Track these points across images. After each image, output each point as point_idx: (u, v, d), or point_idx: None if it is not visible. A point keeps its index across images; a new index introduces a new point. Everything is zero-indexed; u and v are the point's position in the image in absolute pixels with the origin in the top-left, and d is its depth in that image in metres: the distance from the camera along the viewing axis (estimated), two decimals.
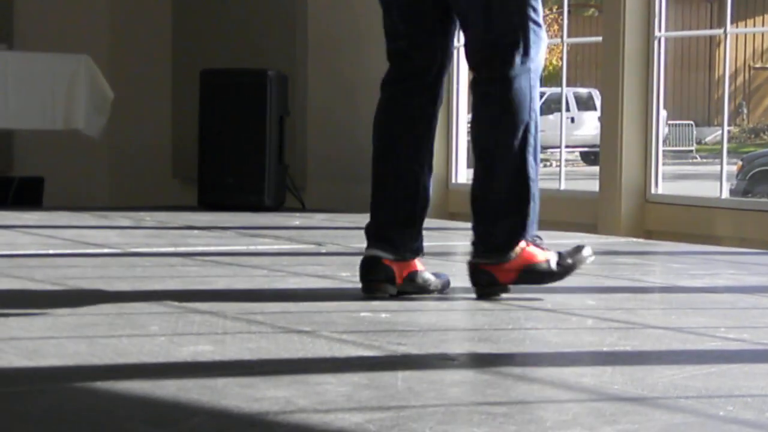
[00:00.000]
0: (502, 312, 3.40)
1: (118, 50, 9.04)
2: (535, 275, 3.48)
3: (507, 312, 3.39)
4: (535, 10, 3.46)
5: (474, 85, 3.52)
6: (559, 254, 3.53)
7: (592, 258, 3.59)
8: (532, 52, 3.46)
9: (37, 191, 8.07)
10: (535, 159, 3.47)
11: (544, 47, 3.51)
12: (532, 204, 3.48)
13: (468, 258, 3.52)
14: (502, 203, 3.48)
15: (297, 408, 2.14)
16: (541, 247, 3.51)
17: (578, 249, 3.57)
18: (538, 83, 3.50)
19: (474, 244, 3.51)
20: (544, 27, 3.52)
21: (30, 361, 2.53)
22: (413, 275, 3.51)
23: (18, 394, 2.27)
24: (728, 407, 2.20)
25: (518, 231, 3.47)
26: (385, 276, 3.47)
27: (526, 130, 3.44)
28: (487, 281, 3.47)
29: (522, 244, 3.47)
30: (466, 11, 3.49)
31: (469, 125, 3.73)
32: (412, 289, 3.50)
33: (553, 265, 3.50)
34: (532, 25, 3.46)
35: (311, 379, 2.39)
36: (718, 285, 4.13)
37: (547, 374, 2.50)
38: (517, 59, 3.44)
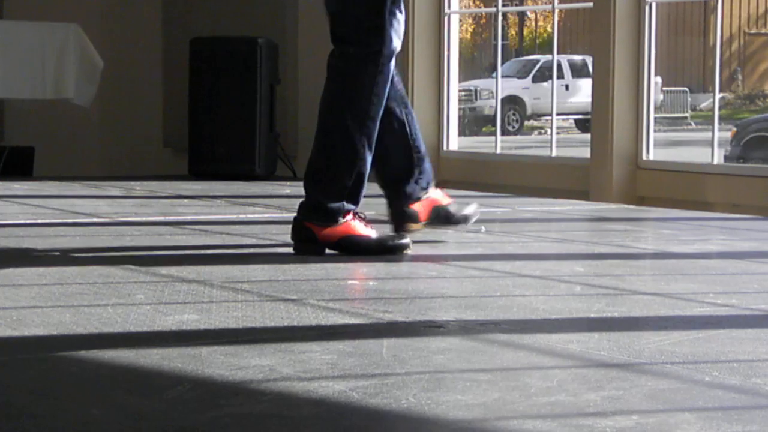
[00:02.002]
0: (490, 279, 3.39)
1: (108, 19, 9.00)
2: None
3: (496, 279, 3.38)
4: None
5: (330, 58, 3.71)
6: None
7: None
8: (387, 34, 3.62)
9: (28, 161, 8.05)
10: (363, 138, 3.66)
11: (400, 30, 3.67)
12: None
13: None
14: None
15: (281, 376, 2.13)
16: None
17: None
18: (386, 68, 3.65)
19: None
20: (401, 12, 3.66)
21: (14, 330, 2.52)
22: (436, 209, 3.90)
23: (1, 363, 2.25)
24: (714, 372, 2.19)
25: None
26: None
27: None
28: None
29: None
30: None
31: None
32: (436, 222, 3.90)
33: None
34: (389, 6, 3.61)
35: (296, 347, 2.38)
36: (709, 251, 4.12)
37: (534, 341, 2.49)
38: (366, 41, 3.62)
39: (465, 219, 3.95)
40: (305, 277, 3.29)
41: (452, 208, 3.93)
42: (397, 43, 3.67)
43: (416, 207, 3.88)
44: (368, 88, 3.63)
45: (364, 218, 3.73)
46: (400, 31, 3.68)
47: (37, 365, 2.26)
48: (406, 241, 3.73)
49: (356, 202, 3.70)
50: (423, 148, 3.89)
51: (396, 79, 3.79)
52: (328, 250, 3.68)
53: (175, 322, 2.63)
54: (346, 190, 3.66)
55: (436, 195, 3.92)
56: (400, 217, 3.88)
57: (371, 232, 3.70)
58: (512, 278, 3.36)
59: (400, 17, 3.66)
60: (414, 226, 3.88)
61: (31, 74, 7.18)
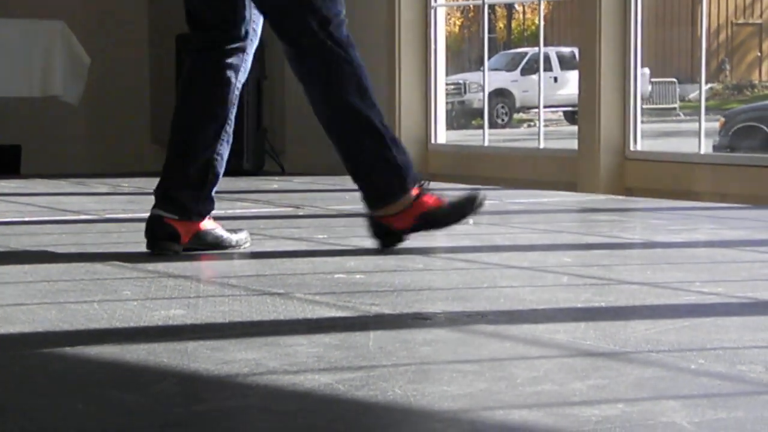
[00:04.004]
0: (477, 271, 3.39)
1: (95, 16, 8.98)
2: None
3: (483, 270, 3.38)
4: None
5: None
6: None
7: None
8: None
9: (15, 159, 8.03)
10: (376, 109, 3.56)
11: None
12: None
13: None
14: None
15: (267, 369, 2.13)
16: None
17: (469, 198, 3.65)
18: (348, 37, 3.53)
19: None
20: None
21: None
22: (202, 234, 3.58)
23: None
24: (700, 360, 2.20)
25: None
26: (167, 234, 3.54)
27: None
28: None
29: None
30: None
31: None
32: (202, 246, 3.57)
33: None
34: None
35: (282, 341, 2.37)
36: (696, 240, 4.12)
37: (520, 331, 2.49)
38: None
39: (232, 243, 3.64)
40: (292, 271, 3.29)
41: (218, 233, 3.64)
42: (341, 7, 3.53)
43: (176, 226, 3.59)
44: (349, 65, 3.52)
45: (427, 187, 3.60)
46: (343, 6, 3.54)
47: (23, 362, 2.26)
48: (479, 194, 3.62)
49: (411, 169, 3.56)
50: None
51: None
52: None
53: (162, 317, 2.62)
54: (395, 159, 3.53)
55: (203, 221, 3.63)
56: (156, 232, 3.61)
57: (442, 200, 3.60)
58: (499, 269, 3.36)
59: None
60: (171, 246, 3.57)
61: (18, 72, 7.17)
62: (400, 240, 3.62)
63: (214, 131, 3.58)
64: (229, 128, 3.61)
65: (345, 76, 3.53)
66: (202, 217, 3.60)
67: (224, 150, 3.61)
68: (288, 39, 3.56)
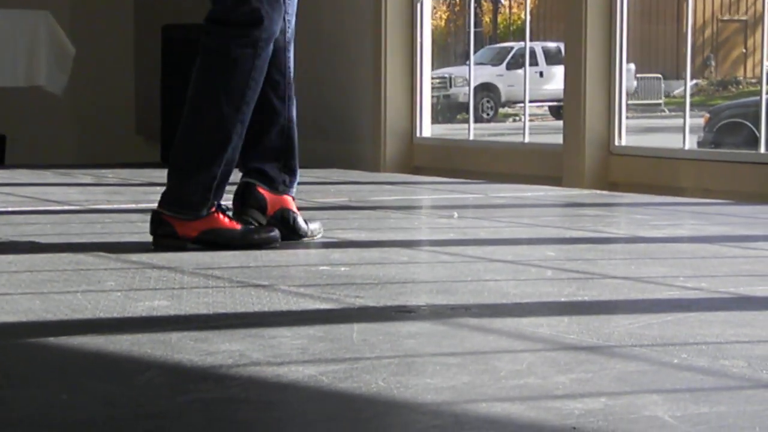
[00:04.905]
0: (462, 264, 3.39)
1: (80, 6, 8.96)
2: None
3: (467, 264, 3.38)
4: None
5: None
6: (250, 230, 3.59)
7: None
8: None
9: (0, 149, 8.01)
10: (237, 124, 3.50)
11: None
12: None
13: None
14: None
15: (250, 361, 2.13)
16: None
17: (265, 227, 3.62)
18: (265, 51, 3.50)
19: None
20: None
21: None
22: (286, 212, 3.67)
23: None
24: (682, 355, 2.20)
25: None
26: (257, 204, 3.63)
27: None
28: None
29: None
30: None
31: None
32: (280, 225, 3.63)
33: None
34: None
35: (266, 333, 2.37)
36: (680, 235, 4.13)
37: (504, 325, 2.50)
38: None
39: (307, 233, 3.70)
40: (276, 263, 3.29)
41: (300, 220, 3.70)
42: (277, 26, 3.51)
43: (267, 196, 3.68)
44: (246, 72, 3.47)
45: (227, 211, 3.56)
46: (282, 12, 3.52)
47: (6, 352, 2.25)
48: (274, 233, 3.55)
49: (221, 194, 3.52)
50: (296, 142, 3.72)
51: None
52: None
53: (146, 308, 2.62)
54: (215, 181, 3.48)
55: (290, 199, 3.70)
56: (247, 199, 3.68)
57: (235, 225, 3.53)
58: (484, 263, 3.36)
59: None
60: (258, 215, 3.67)
61: (2, 62, 7.14)
62: (182, 247, 3.51)
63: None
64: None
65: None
66: (288, 189, 3.69)
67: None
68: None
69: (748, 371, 2.09)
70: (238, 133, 3.50)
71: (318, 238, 3.73)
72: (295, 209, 3.71)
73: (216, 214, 3.52)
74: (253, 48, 3.48)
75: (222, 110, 3.47)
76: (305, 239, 3.69)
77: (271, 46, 3.53)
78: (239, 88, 3.48)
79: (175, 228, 3.49)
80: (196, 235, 3.49)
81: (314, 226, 3.75)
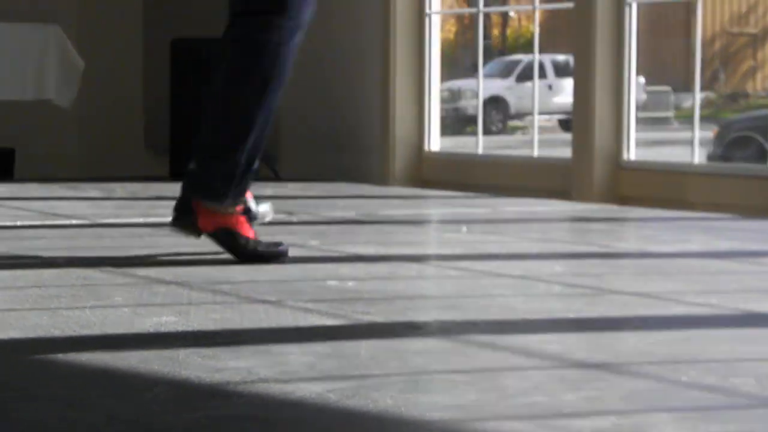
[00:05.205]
0: (470, 279, 3.38)
1: (88, 20, 8.98)
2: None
3: (475, 279, 3.38)
4: None
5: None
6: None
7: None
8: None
9: (8, 163, 8.02)
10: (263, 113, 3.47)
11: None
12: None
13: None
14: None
15: (258, 378, 2.13)
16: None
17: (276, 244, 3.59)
18: (293, 41, 3.46)
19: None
20: None
21: None
22: None
23: None
24: (691, 372, 2.19)
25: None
26: None
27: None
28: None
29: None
30: None
31: None
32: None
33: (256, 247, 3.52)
34: None
35: (274, 349, 2.37)
36: (689, 250, 4.12)
37: (512, 342, 2.49)
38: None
39: (257, 216, 3.67)
40: (284, 278, 3.28)
41: (251, 203, 3.66)
42: (304, 15, 3.47)
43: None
44: (270, 60, 3.44)
45: (253, 220, 3.57)
46: (312, 1, 3.49)
47: (13, 368, 2.25)
48: (282, 248, 3.54)
49: (246, 186, 3.51)
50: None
51: None
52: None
53: (153, 324, 2.62)
54: (237, 168, 3.46)
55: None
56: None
57: (251, 235, 3.52)
58: (492, 278, 3.35)
59: None
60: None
61: (11, 75, 7.15)
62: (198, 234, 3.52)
63: None
64: None
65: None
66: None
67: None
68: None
69: (757, 389, 2.08)
70: (262, 122, 3.48)
71: (268, 220, 3.71)
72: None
73: (239, 217, 3.52)
74: (278, 35, 3.45)
75: (245, 98, 3.46)
76: (255, 222, 3.64)
77: (299, 36, 3.49)
78: (263, 77, 3.45)
79: (197, 216, 3.50)
80: (212, 230, 3.50)
81: (263, 208, 3.72)
